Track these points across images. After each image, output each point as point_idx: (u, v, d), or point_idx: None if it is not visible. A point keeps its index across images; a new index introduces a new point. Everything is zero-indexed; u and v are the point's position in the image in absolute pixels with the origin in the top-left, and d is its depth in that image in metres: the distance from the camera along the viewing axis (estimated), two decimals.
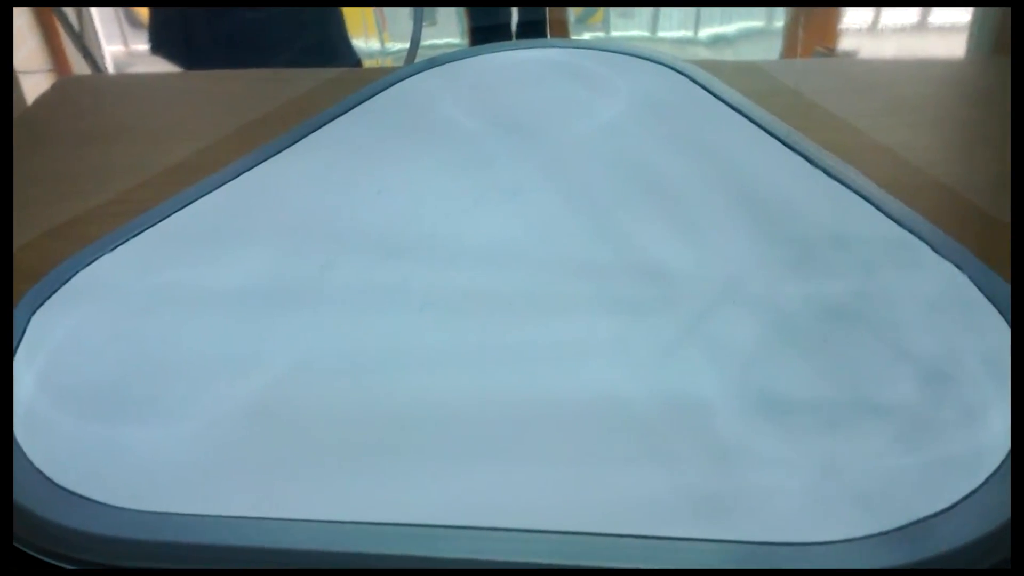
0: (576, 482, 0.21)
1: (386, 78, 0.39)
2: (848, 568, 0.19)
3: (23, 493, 0.22)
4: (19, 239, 0.34)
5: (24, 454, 0.23)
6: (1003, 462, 0.21)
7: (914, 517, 0.20)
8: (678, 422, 0.23)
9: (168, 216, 0.31)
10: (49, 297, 0.28)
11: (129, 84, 0.56)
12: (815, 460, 0.21)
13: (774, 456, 0.22)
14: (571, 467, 0.22)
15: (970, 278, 0.26)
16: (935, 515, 0.20)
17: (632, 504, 0.21)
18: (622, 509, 0.21)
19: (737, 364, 0.24)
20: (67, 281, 0.28)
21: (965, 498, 0.20)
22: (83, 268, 0.29)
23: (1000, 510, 0.20)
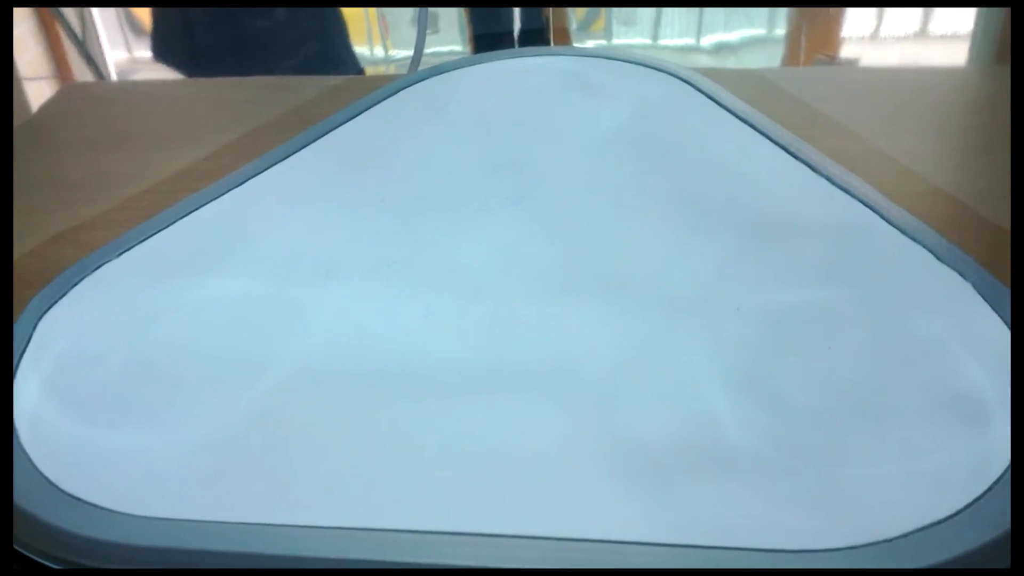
0: (576, 489, 0.21)
1: (389, 85, 0.39)
2: (849, 570, 0.19)
3: (28, 498, 0.22)
4: (25, 245, 0.34)
5: (29, 459, 0.23)
6: (1006, 469, 0.21)
7: (915, 525, 0.20)
8: (678, 430, 0.23)
9: (173, 223, 0.31)
10: (55, 303, 0.28)
11: (133, 91, 0.57)
12: (817, 467, 0.21)
13: (775, 463, 0.22)
14: (571, 474, 0.22)
15: (973, 286, 0.26)
16: (937, 523, 0.20)
17: (633, 510, 0.21)
18: (623, 515, 0.21)
19: (739, 371, 0.24)
20: (73, 287, 0.28)
21: (968, 506, 0.20)
22: (89, 274, 0.29)
23: (1003, 517, 0.20)
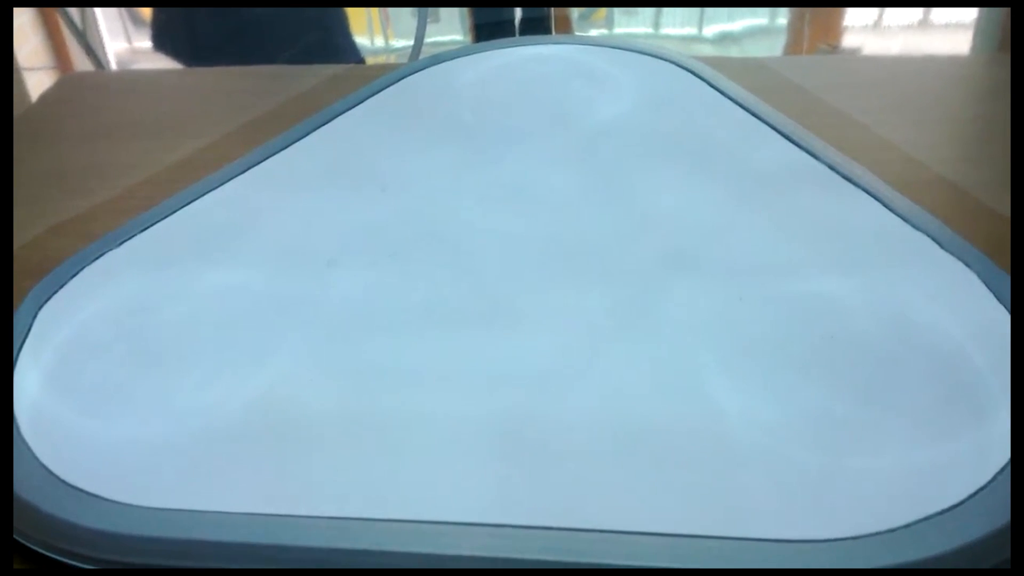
0: (578, 480, 0.21)
1: (390, 75, 0.39)
2: (851, 568, 0.19)
3: (28, 489, 0.22)
4: (24, 236, 0.34)
5: (30, 450, 0.23)
6: (1009, 460, 0.21)
7: (917, 516, 0.20)
8: (679, 419, 0.23)
9: (173, 213, 0.31)
10: (55, 293, 0.28)
11: (133, 81, 0.56)
12: (818, 457, 0.21)
13: (776, 453, 0.21)
14: (573, 465, 0.22)
15: (977, 275, 0.26)
16: (939, 513, 0.20)
17: (633, 502, 0.21)
18: (623, 507, 0.21)
19: (740, 360, 0.24)
20: (73, 277, 0.28)
21: (970, 497, 0.20)
22: (89, 264, 0.29)
23: (1005, 508, 0.20)
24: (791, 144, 0.33)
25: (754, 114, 0.35)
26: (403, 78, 0.39)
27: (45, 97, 0.48)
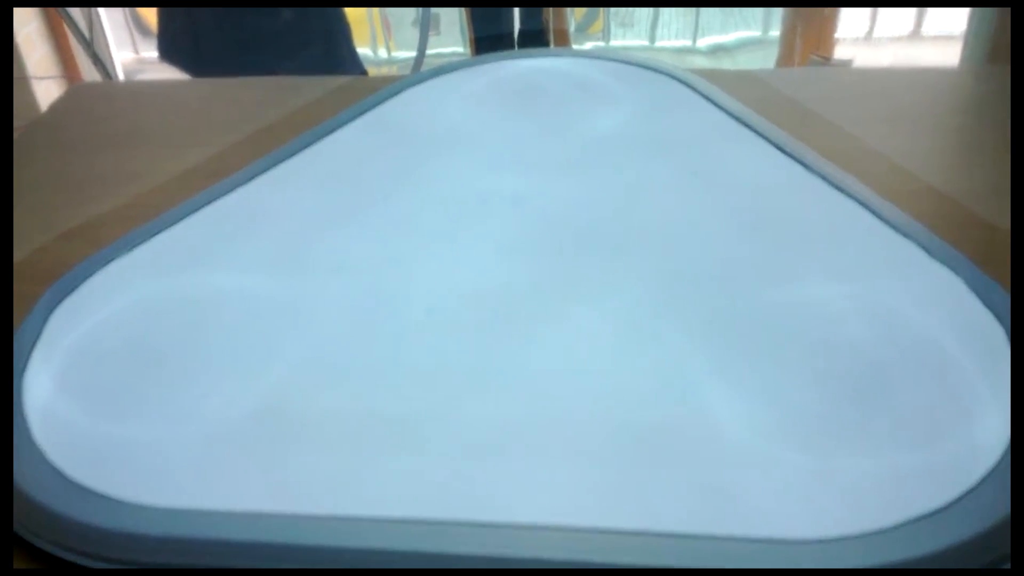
0: (576, 481, 0.22)
1: (393, 86, 0.40)
2: (841, 567, 0.19)
3: (39, 489, 0.22)
4: (35, 242, 0.34)
5: (41, 451, 0.23)
6: (997, 462, 0.21)
7: (906, 516, 0.20)
8: (676, 423, 0.23)
9: (182, 219, 0.32)
10: (65, 298, 0.28)
11: (141, 91, 0.57)
12: (812, 459, 0.22)
13: (771, 455, 0.22)
14: (572, 466, 0.22)
15: (964, 282, 0.27)
16: (928, 514, 0.20)
17: (630, 502, 0.21)
18: (620, 507, 0.21)
19: (735, 366, 0.25)
20: (84, 282, 0.29)
21: (958, 498, 0.20)
22: (99, 270, 0.29)
23: (994, 509, 0.20)
24: (783, 155, 0.34)
25: (747, 125, 0.36)
26: (405, 89, 0.40)
27: (55, 106, 0.48)
